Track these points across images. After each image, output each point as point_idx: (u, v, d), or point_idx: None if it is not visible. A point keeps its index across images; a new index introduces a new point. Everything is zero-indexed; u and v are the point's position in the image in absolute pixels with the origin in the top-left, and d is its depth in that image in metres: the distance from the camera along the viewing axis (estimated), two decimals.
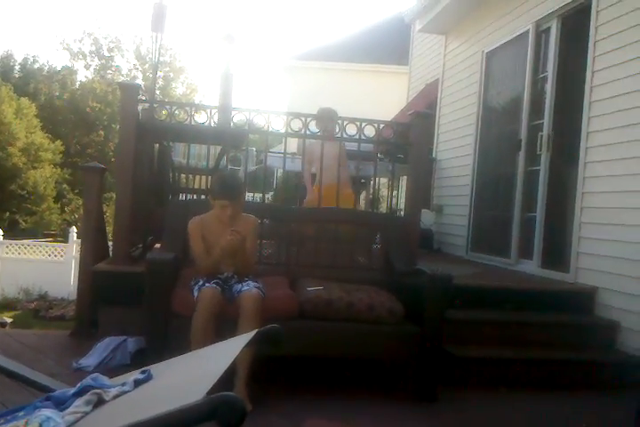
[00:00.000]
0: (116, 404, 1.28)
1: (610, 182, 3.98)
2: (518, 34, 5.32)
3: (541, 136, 4.80)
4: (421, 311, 2.99)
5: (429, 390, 3.01)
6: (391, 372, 3.21)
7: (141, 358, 2.85)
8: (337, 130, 4.01)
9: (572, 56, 4.65)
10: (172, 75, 28.57)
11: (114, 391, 1.34)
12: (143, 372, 1.43)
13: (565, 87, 4.70)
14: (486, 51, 5.96)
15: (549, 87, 4.81)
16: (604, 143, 4.06)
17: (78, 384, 1.37)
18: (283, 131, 3.95)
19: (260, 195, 5.08)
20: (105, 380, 1.44)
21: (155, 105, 4.32)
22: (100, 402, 1.30)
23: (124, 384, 1.37)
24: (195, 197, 4.87)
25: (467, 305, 3.66)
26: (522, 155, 5.09)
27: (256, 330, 1.65)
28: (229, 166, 7.19)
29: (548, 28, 4.93)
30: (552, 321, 3.81)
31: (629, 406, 2.70)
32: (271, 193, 7.68)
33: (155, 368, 1.49)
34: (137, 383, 1.37)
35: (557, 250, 4.54)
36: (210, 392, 1.23)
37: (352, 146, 4.20)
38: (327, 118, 4.13)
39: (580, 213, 4.22)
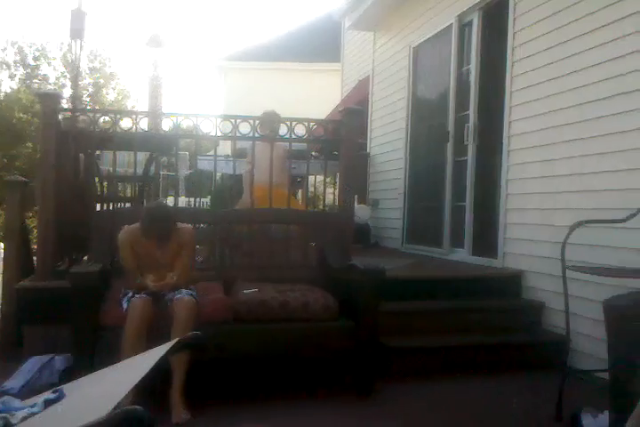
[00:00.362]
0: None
1: (530, 169, 4.10)
2: (442, 28, 5.42)
3: (467, 127, 4.92)
4: (356, 306, 3.02)
5: (366, 383, 3.03)
6: (330, 368, 3.21)
7: (70, 376, 2.75)
8: (279, 132, 4.03)
9: (493, 48, 4.76)
10: (102, 81, 27.70)
11: (22, 414, 1.30)
12: (55, 391, 1.39)
13: (488, 78, 4.82)
14: (413, 46, 6.05)
15: (473, 79, 4.93)
16: (525, 131, 4.19)
17: None
18: (213, 134, 3.90)
19: (198, 198, 4.98)
20: (15, 402, 1.40)
21: (77, 113, 4.18)
22: (6, 426, 1.25)
23: (33, 406, 1.33)
24: (125, 205, 4.76)
25: (402, 297, 3.72)
26: (450, 146, 5.21)
27: (177, 339, 1.62)
28: (163, 172, 7.03)
29: (470, 22, 5.04)
30: (483, 306, 3.91)
31: (554, 384, 2.79)
32: (209, 197, 7.59)
33: (68, 386, 1.45)
34: (47, 403, 1.33)
35: (486, 237, 4.66)
36: (123, 406, 1.20)
37: (285, 145, 4.21)
38: (270, 122, 4.14)
39: (505, 200, 4.34)
